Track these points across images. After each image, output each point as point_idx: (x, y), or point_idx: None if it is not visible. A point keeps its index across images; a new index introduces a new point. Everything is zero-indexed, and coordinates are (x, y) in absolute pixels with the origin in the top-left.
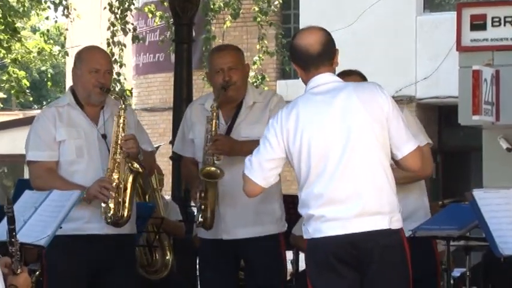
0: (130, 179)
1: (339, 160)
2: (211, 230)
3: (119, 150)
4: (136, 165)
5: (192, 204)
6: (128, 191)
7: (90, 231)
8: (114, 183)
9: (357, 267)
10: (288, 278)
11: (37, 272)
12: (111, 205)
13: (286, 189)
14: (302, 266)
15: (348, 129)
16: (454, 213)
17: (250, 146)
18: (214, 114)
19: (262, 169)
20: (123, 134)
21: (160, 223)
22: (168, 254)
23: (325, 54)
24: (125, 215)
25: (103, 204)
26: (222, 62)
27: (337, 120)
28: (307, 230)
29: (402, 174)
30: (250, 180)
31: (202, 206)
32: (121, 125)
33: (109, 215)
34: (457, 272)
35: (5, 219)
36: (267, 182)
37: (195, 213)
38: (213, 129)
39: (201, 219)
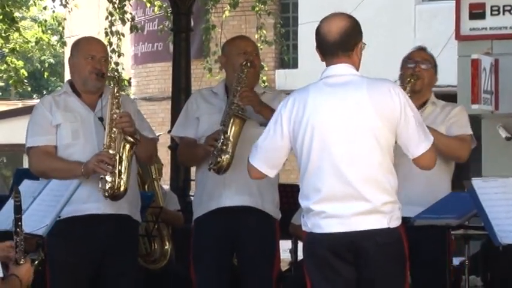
0: (126, 149)
1: (340, 157)
2: (214, 200)
3: (114, 127)
4: (130, 138)
5: (191, 193)
6: (124, 161)
7: (88, 212)
8: (114, 157)
9: (354, 264)
10: (287, 267)
11: (36, 262)
12: (109, 178)
13: (285, 179)
14: (301, 255)
15: (353, 128)
16: (452, 202)
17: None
18: (248, 64)
19: (267, 157)
20: (117, 112)
21: (159, 213)
22: (167, 243)
23: (342, 44)
24: (122, 186)
25: (101, 178)
26: (247, 45)
27: (345, 117)
28: (306, 223)
29: (446, 142)
30: (253, 168)
31: (224, 147)
32: (115, 102)
33: (107, 187)
34: (456, 261)
35: (4, 208)
36: (272, 170)
37: (211, 157)
38: (246, 75)
39: (219, 160)
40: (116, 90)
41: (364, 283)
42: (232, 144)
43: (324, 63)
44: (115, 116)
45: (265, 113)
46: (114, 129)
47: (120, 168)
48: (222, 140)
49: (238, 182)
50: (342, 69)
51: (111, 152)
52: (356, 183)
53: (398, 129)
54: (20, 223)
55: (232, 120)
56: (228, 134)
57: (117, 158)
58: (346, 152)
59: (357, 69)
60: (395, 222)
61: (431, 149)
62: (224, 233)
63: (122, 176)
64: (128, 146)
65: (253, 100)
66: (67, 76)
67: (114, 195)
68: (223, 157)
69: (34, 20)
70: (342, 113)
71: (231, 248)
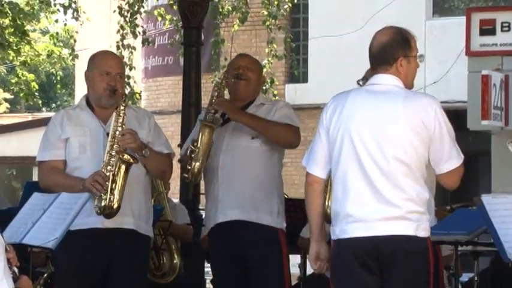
0: (121, 169)
1: (368, 163)
2: (211, 216)
3: (115, 144)
4: (127, 156)
5: (201, 207)
6: (118, 182)
7: (91, 225)
8: (108, 175)
9: (378, 271)
10: (296, 282)
11: (45, 275)
12: (104, 196)
13: (294, 193)
14: (309, 270)
15: (383, 136)
16: (462, 218)
17: (258, 122)
18: (223, 83)
19: (317, 159)
20: (120, 129)
21: (168, 226)
22: (176, 257)
23: (380, 57)
24: (114, 205)
25: (97, 196)
26: (242, 61)
27: (376, 124)
28: (334, 230)
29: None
30: (308, 173)
31: (192, 155)
32: (120, 120)
33: (100, 205)
34: (465, 277)
35: (14, 221)
36: (324, 171)
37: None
38: (221, 92)
39: (188, 167)
40: (120, 108)
41: None
42: (202, 152)
43: (333, 77)
44: (117, 133)
45: (244, 119)
46: (115, 146)
47: (113, 186)
48: (191, 149)
49: (230, 198)
50: (384, 79)
51: (109, 168)
52: (383, 190)
53: (431, 144)
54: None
55: (202, 129)
56: (197, 142)
57: (111, 176)
58: (374, 158)
59: (406, 82)
60: (423, 233)
61: (459, 169)
62: (228, 238)
63: (115, 195)
64: (123, 166)
65: (225, 106)
66: (77, 89)
67: (106, 213)
68: (193, 164)
69: (44, 32)
70: (374, 119)
71: (239, 260)
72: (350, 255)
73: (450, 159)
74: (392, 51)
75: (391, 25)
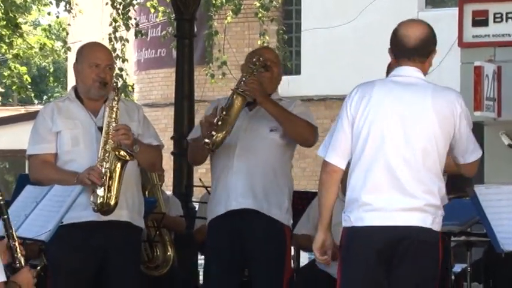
0: (117, 167)
1: (392, 154)
2: (222, 203)
3: (109, 140)
4: (123, 152)
5: (194, 199)
6: (115, 178)
7: (87, 218)
8: (103, 171)
9: (388, 261)
10: None
11: (38, 267)
12: (100, 193)
13: None
14: (302, 262)
15: (410, 128)
16: (455, 209)
17: (282, 111)
18: (258, 64)
19: (338, 148)
20: (114, 125)
21: (161, 218)
22: (169, 249)
23: (419, 50)
24: (111, 202)
25: (92, 191)
26: (268, 53)
27: (404, 116)
28: (348, 217)
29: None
30: (325, 161)
31: (220, 122)
32: (113, 115)
33: (97, 202)
34: (458, 268)
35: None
36: (344, 161)
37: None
38: (255, 70)
39: (214, 133)
40: (113, 103)
41: (397, 278)
42: (230, 121)
43: (326, 69)
44: (111, 128)
45: (268, 105)
46: (110, 141)
47: (109, 183)
48: (220, 116)
49: (244, 186)
50: (410, 71)
51: (104, 164)
52: (405, 180)
53: (456, 138)
54: (10, 224)
55: (233, 97)
56: (226, 111)
57: (108, 173)
58: (399, 150)
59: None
60: (437, 226)
61: (478, 160)
62: (231, 237)
63: (112, 192)
64: (119, 163)
65: (254, 87)
66: (70, 81)
67: (103, 210)
68: (218, 133)
69: (35, 24)
70: (403, 111)
71: (239, 250)
72: (365, 243)
73: (473, 152)
74: (429, 45)
75: (417, 19)
